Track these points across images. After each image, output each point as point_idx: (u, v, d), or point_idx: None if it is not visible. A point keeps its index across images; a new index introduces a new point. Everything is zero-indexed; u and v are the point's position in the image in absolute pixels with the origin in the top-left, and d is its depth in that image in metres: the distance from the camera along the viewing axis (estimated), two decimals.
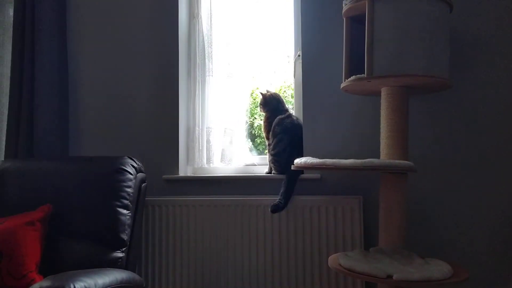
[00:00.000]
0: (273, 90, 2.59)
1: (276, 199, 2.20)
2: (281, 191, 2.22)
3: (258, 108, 2.54)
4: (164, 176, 2.52)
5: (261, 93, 2.49)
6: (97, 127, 2.68)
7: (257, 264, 2.28)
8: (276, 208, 2.18)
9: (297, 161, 1.96)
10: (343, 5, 1.95)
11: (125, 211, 2.12)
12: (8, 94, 2.68)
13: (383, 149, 1.90)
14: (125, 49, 2.66)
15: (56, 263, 2.01)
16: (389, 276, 1.59)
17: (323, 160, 1.84)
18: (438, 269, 1.63)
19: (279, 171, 2.34)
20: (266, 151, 2.49)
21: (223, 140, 2.61)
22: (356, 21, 1.95)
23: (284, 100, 2.50)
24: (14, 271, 1.88)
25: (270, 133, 2.39)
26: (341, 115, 2.30)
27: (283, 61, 2.89)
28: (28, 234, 1.96)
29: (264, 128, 2.48)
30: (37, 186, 2.22)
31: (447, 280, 1.58)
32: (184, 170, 2.59)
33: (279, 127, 2.35)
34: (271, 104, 2.46)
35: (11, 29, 2.72)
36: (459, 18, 2.14)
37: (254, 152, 2.79)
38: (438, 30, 1.79)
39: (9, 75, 2.69)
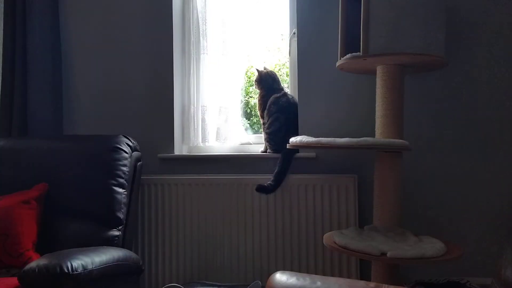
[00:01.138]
0: (268, 68, 2.57)
1: (271, 177, 2.21)
2: (275, 171, 2.23)
3: (254, 85, 2.52)
4: (160, 155, 2.52)
5: (257, 70, 2.47)
6: (92, 106, 2.66)
7: (252, 242, 2.30)
8: (261, 189, 2.21)
9: (293, 139, 1.96)
10: None
11: (120, 190, 2.12)
12: (0, 72, 2.65)
13: (378, 128, 1.90)
14: (118, 27, 2.63)
15: (52, 242, 2.02)
16: (383, 254, 1.61)
17: (319, 139, 1.84)
18: (432, 246, 1.65)
19: (274, 150, 2.35)
20: (262, 129, 2.48)
21: (218, 118, 2.60)
22: None
23: (280, 79, 2.48)
24: (11, 249, 1.89)
25: (265, 111, 2.39)
26: (336, 93, 2.30)
27: (278, 39, 2.87)
28: (24, 212, 1.96)
29: (258, 106, 2.47)
30: (32, 165, 2.21)
31: (440, 258, 1.61)
32: (180, 148, 2.59)
33: (275, 106, 2.34)
34: (267, 82, 2.45)
35: (2, 5, 2.67)
36: None
37: (250, 131, 2.79)
38: (434, 8, 1.78)
39: (1, 52, 2.65)
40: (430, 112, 2.20)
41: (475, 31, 2.15)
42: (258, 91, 2.50)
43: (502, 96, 2.13)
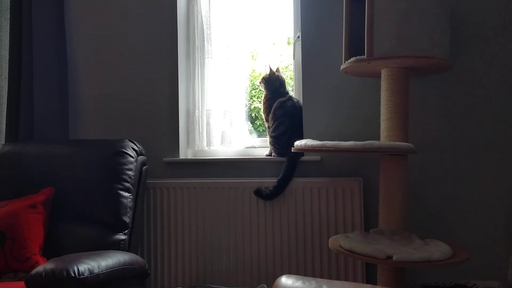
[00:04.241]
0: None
1: (276, 180, 2.23)
2: (279, 176, 2.24)
3: (260, 83, 2.51)
4: (165, 159, 2.53)
5: (270, 68, 2.47)
6: (97, 111, 2.68)
7: (258, 245, 2.30)
8: (258, 193, 2.24)
9: (297, 143, 1.97)
10: None
11: (126, 194, 2.13)
12: (7, 77, 2.66)
13: (383, 131, 1.90)
14: (123, 31, 2.64)
15: (59, 246, 2.03)
16: (389, 257, 1.60)
17: (323, 142, 1.84)
18: (438, 249, 1.64)
19: (279, 153, 2.35)
20: (267, 133, 2.48)
21: (223, 122, 2.61)
22: (356, 1, 1.94)
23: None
24: (18, 253, 1.90)
25: (270, 115, 2.39)
26: (341, 97, 2.30)
27: (282, 42, 2.87)
28: (31, 217, 1.97)
29: (263, 109, 2.47)
30: (39, 169, 2.22)
31: (446, 261, 1.60)
32: (185, 152, 2.60)
33: (280, 110, 2.34)
34: (274, 83, 2.45)
35: (8, 11, 2.69)
36: None
37: (254, 135, 2.79)
38: (439, 11, 1.78)
39: (7, 57, 2.67)
40: (435, 115, 2.19)
41: (479, 34, 2.14)
42: (263, 92, 2.50)
43: (507, 98, 2.12)
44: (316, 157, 2.31)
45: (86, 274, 1.54)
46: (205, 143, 2.58)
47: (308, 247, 2.24)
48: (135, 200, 2.19)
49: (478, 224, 2.15)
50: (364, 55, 1.79)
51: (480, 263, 2.11)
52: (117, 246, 2.04)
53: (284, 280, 1.15)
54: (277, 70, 2.47)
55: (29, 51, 2.61)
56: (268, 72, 2.47)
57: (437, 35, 1.77)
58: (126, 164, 2.17)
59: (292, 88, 2.61)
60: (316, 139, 1.96)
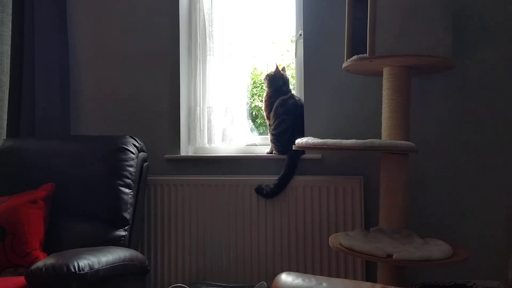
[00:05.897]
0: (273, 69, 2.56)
1: (276, 178, 2.23)
2: (280, 175, 2.24)
3: (264, 79, 2.51)
4: (166, 156, 2.53)
5: (277, 66, 2.46)
6: (98, 107, 2.67)
7: (258, 243, 2.30)
8: (260, 192, 2.26)
9: (298, 141, 1.97)
10: None
11: (127, 190, 2.13)
12: (8, 72, 2.66)
13: (384, 130, 1.90)
14: (125, 28, 2.64)
15: (59, 241, 2.03)
16: (389, 256, 1.60)
17: (324, 140, 1.84)
18: (438, 248, 1.64)
19: (280, 151, 2.35)
20: (268, 130, 2.48)
21: (224, 120, 2.60)
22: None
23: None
24: (18, 248, 1.90)
25: (272, 113, 2.39)
26: (343, 95, 2.29)
27: (283, 40, 2.86)
28: (32, 212, 1.97)
29: (265, 107, 2.47)
30: (39, 165, 2.22)
31: (446, 260, 1.60)
32: (186, 149, 2.60)
33: (282, 108, 2.34)
34: (277, 81, 2.45)
35: (10, 6, 2.69)
36: None
37: (255, 132, 2.79)
38: (441, 10, 1.77)
39: (9, 53, 2.67)
40: (436, 113, 2.19)
41: (482, 33, 2.14)
42: (265, 89, 2.50)
43: (508, 97, 2.12)
44: (317, 155, 2.31)
45: (86, 269, 1.54)
46: (206, 140, 2.58)
47: (308, 245, 2.24)
48: (136, 196, 2.19)
49: (478, 224, 2.15)
50: (366, 53, 1.79)
51: (480, 263, 2.11)
52: (117, 242, 2.04)
53: (284, 277, 1.15)
54: (283, 69, 2.47)
55: (31, 47, 2.60)
56: (274, 69, 2.47)
57: (440, 34, 1.77)
58: (127, 161, 2.17)
59: (294, 86, 2.60)
60: (317, 137, 1.95)
